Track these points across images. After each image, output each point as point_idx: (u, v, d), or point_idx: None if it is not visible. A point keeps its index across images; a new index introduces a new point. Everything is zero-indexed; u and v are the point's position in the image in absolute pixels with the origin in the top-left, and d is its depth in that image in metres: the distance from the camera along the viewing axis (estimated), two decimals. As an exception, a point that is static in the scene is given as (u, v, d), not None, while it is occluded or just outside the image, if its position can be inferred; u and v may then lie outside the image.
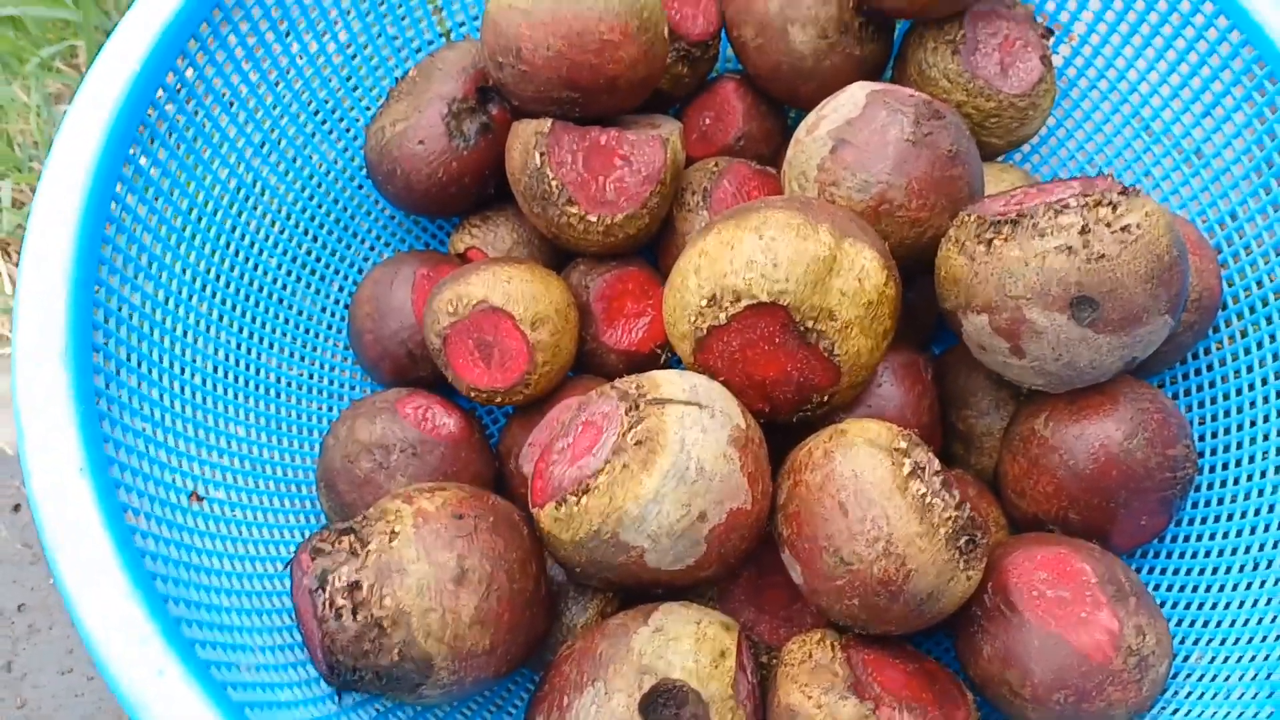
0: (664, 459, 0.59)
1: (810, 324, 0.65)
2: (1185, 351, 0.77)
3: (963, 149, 0.73)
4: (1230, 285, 0.78)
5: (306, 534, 0.75)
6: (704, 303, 0.66)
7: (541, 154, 0.75)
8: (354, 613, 0.59)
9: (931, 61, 0.82)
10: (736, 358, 0.67)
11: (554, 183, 0.75)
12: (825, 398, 0.68)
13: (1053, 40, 0.85)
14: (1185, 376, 0.81)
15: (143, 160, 0.68)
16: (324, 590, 0.60)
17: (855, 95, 0.74)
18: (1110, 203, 0.63)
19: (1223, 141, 0.79)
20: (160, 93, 0.69)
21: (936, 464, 0.62)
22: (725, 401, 0.64)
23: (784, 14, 0.82)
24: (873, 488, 0.60)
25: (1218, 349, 0.79)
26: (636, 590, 0.65)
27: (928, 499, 0.60)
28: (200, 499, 0.68)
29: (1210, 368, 0.79)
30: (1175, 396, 0.81)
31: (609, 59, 0.73)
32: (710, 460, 0.60)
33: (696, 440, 0.60)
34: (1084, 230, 0.62)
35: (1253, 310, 0.76)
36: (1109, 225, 0.62)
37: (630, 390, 0.64)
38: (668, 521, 0.59)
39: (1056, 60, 0.88)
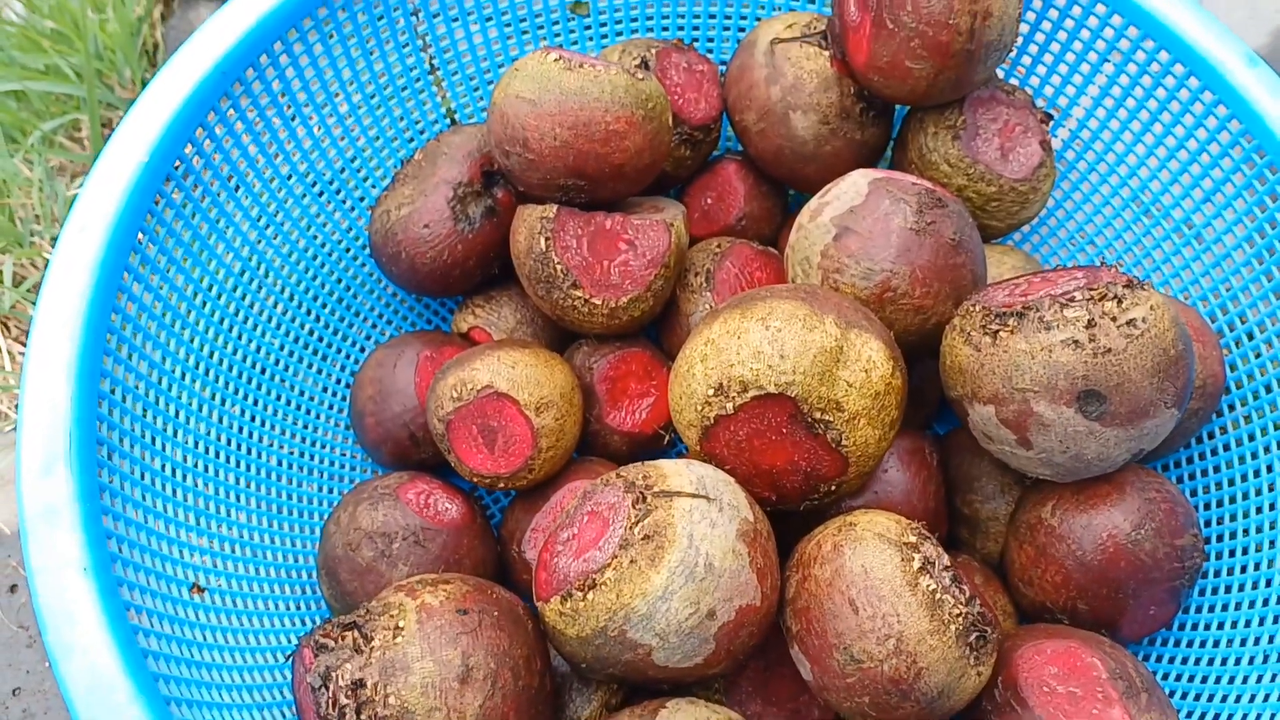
0: (672, 555, 0.58)
1: (818, 415, 0.64)
2: (1190, 436, 0.77)
3: (965, 236, 0.73)
4: (1233, 370, 0.78)
5: (307, 622, 0.75)
6: (711, 392, 0.66)
7: (547, 239, 0.75)
8: (358, 712, 0.58)
9: (932, 146, 0.83)
10: (743, 447, 0.67)
11: (559, 267, 0.75)
12: (833, 487, 0.68)
13: (1051, 124, 0.86)
14: (1190, 460, 0.81)
15: (149, 248, 0.69)
16: (327, 688, 0.59)
17: (858, 183, 0.75)
18: (1115, 296, 0.64)
19: (1224, 227, 0.80)
20: (167, 181, 0.69)
21: (945, 558, 0.62)
22: (733, 494, 0.63)
23: (785, 100, 0.82)
24: (883, 584, 0.59)
25: (1221, 433, 0.79)
26: (642, 685, 0.64)
27: (938, 595, 0.59)
28: (201, 590, 0.67)
29: (1215, 451, 0.79)
30: (1180, 480, 0.81)
31: (615, 148, 0.73)
32: (719, 556, 0.59)
33: (705, 535, 0.59)
34: (1090, 324, 0.63)
35: (1256, 396, 0.76)
36: (1114, 319, 0.63)
37: (637, 481, 0.63)
38: (676, 619, 0.58)
39: (1056, 143, 0.89)
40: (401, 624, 0.60)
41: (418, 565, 0.71)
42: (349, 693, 0.59)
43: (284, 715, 0.66)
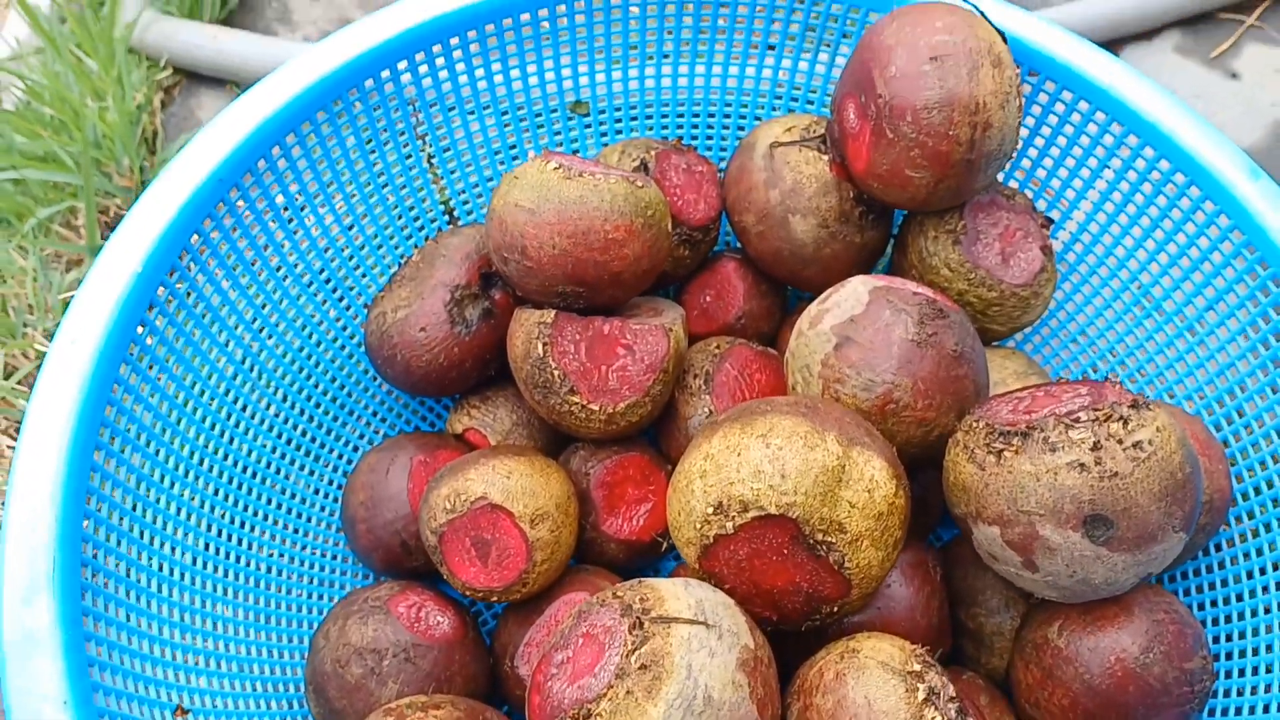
0: (669, 687, 0.57)
1: (820, 537, 0.63)
2: (1196, 550, 0.76)
3: (967, 347, 0.72)
4: (1240, 481, 0.77)
5: (293, 740, 0.72)
6: (710, 510, 0.64)
7: (544, 344, 0.74)
8: None
9: (932, 250, 0.82)
10: (744, 566, 0.65)
11: (556, 372, 0.74)
12: (835, 608, 0.66)
13: (1052, 228, 0.86)
14: (1196, 572, 0.79)
15: (140, 358, 0.68)
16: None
17: (858, 291, 0.74)
18: (1121, 417, 0.63)
19: (1228, 336, 0.79)
20: (160, 289, 0.68)
21: (950, 689, 0.60)
22: (732, 618, 0.62)
23: (785, 204, 0.82)
24: (887, 717, 0.58)
25: (1229, 545, 0.77)
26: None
27: (943, 729, 0.58)
28: (185, 712, 0.65)
29: (1222, 564, 0.78)
30: (1186, 593, 0.79)
31: (614, 256, 0.73)
32: (718, 688, 0.57)
33: (704, 666, 0.58)
34: (1096, 446, 0.62)
35: (1264, 509, 0.75)
36: (1120, 441, 0.62)
37: (634, 604, 0.62)
38: (674, 755, 0.56)
39: (1057, 244, 0.89)
40: (390, 754, 0.59)
41: (408, 683, 0.70)
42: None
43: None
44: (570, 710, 0.59)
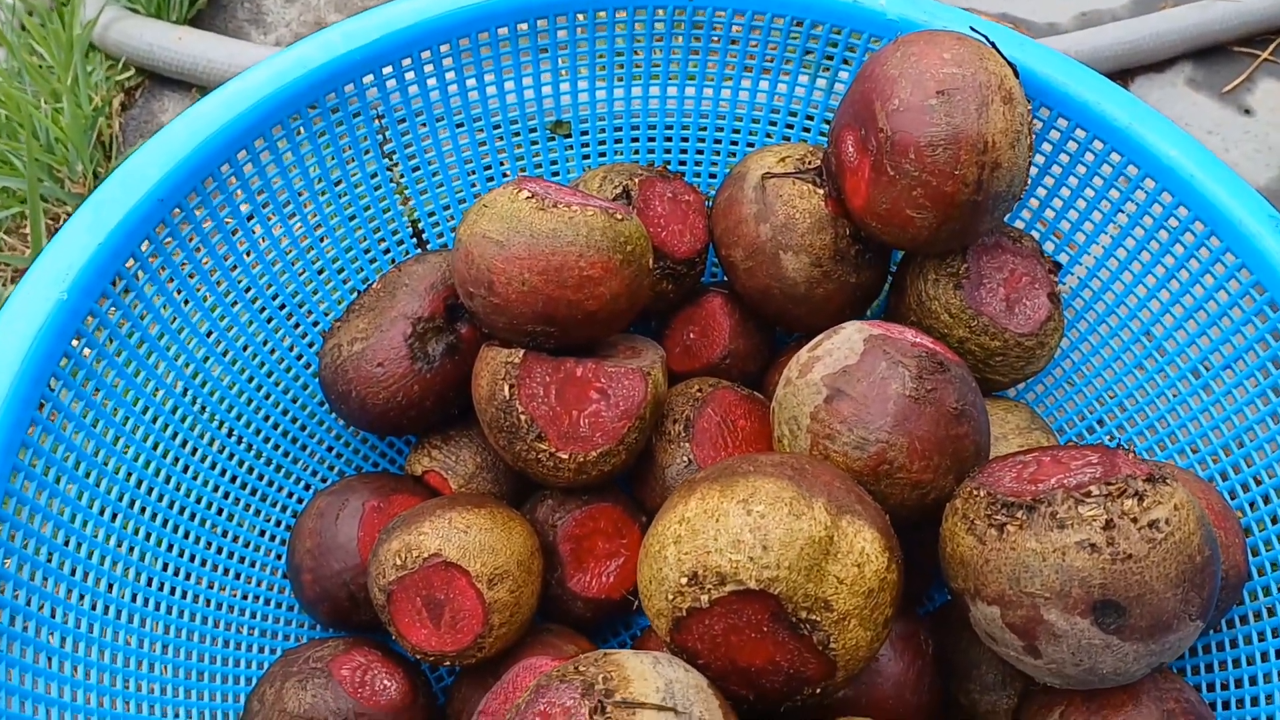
0: (633, 784, 0.51)
1: (803, 615, 0.57)
2: (1209, 628, 0.71)
3: (968, 404, 0.67)
4: (1256, 554, 0.72)
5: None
6: (684, 581, 0.58)
7: (511, 386, 0.68)
8: None
9: (932, 294, 0.77)
10: (719, 642, 0.59)
11: (523, 417, 0.68)
12: (817, 690, 0.60)
13: (1060, 272, 0.81)
14: (1208, 649, 0.74)
15: (62, 394, 0.61)
16: None
17: (852, 339, 0.68)
18: (1136, 493, 0.57)
19: (1245, 397, 0.74)
20: (89, 319, 0.62)
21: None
22: (705, 704, 0.56)
23: (776, 240, 0.76)
24: (871, 823, 0.52)
25: (1243, 622, 0.72)
26: None
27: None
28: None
29: (1235, 643, 0.72)
30: (1196, 671, 0.74)
31: (588, 295, 0.67)
32: (686, 787, 0.52)
33: (671, 761, 0.52)
34: (1108, 525, 0.56)
35: (1281, 587, 0.70)
36: (1135, 520, 0.56)
37: (596, 684, 0.56)
38: None
39: (1065, 289, 0.84)
40: None
41: (348, 757, 0.63)
42: None
43: None
44: (521, 804, 0.53)
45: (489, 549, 0.66)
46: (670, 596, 0.59)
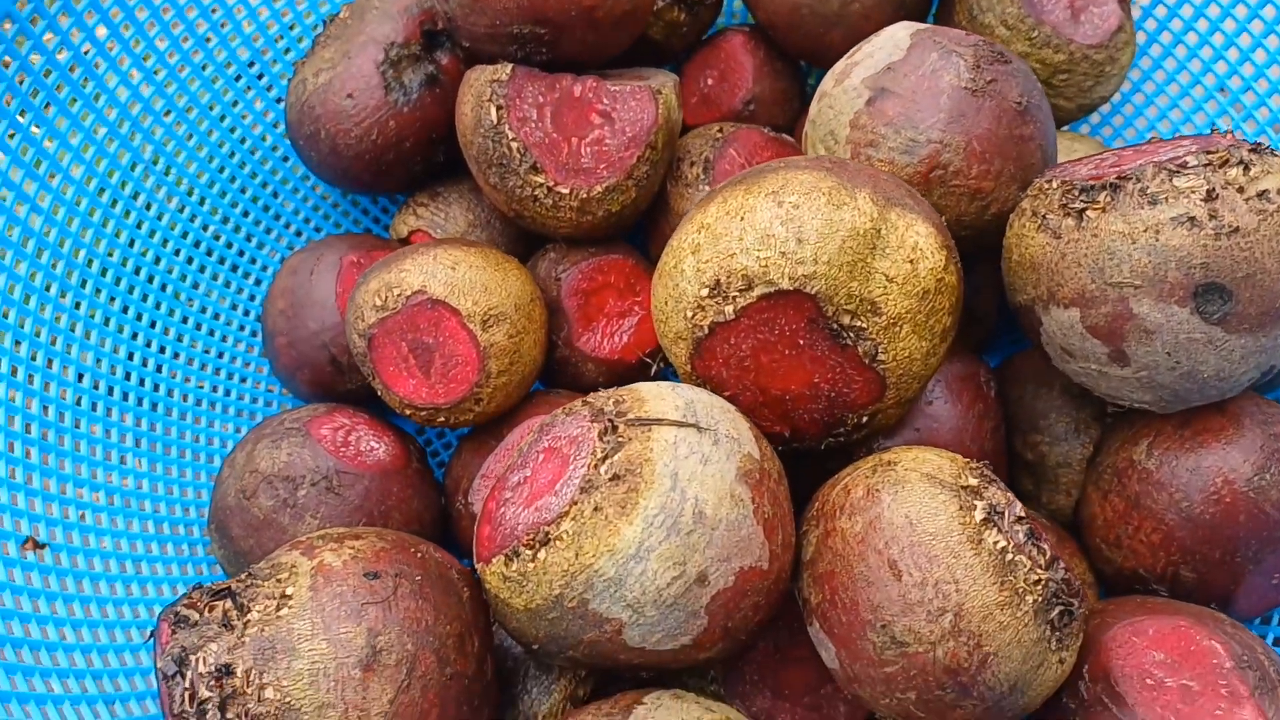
0: (649, 500, 0.43)
1: (846, 320, 0.49)
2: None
3: (1034, 102, 0.57)
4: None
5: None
6: (704, 292, 0.50)
7: (499, 108, 0.59)
8: (222, 708, 0.43)
9: (986, 5, 0.67)
10: (747, 365, 0.51)
11: (514, 144, 0.59)
12: (864, 419, 0.52)
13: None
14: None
15: (24, 150, 0.53)
16: (183, 676, 0.44)
17: (897, 35, 0.59)
18: (1241, 161, 0.48)
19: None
20: (35, 57, 0.53)
21: (1018, 507, 0.46)
22: (732, 422, 0.48)
23: (804, -58, 0.66)
24: (935, 540, 0.44)
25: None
26: (614, 672, 0.49)
27: (1009, 555, 0.44)
28: (40, 545, 0.52)
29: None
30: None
31: (584, -16, 0.57)
32: (713, 502, 0.44)
33: (694, 474, 0.44)
34: (1210, 196, 0.47)
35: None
36: (1242, 190, 0.47)
37: (606, 407, 0.48)
38: (654, 586, 0.43)
39: (1135, 9, 0.73)
40: (290, 591, 0.46)
41: (329, 519, 0.56)
42: (212, 682, 0.44)
43: (151, 709, 0.51)
44: (524, 537, 0.46)
45: (481, 286, 0.58)
46: (689, 314, 0.51)
